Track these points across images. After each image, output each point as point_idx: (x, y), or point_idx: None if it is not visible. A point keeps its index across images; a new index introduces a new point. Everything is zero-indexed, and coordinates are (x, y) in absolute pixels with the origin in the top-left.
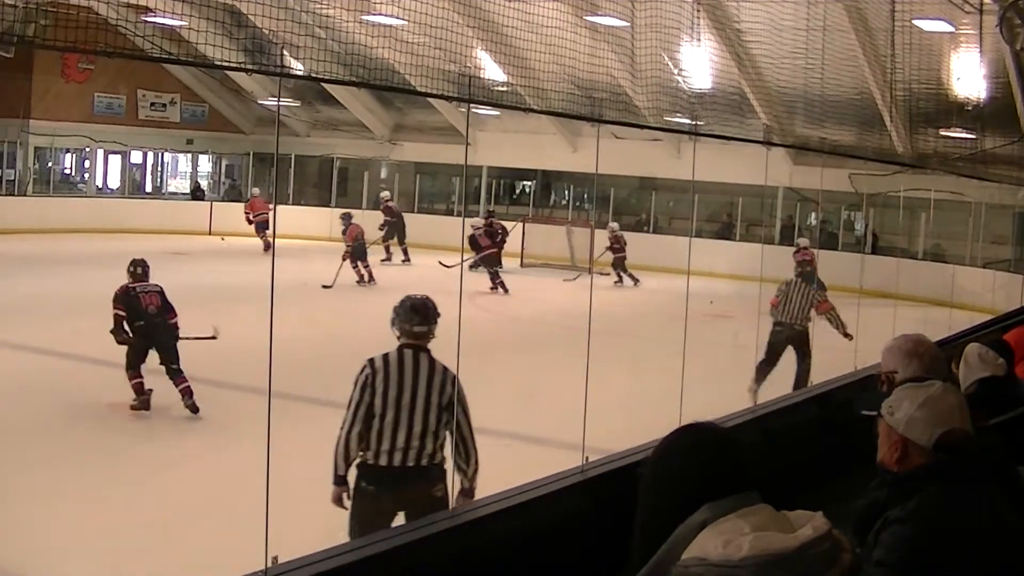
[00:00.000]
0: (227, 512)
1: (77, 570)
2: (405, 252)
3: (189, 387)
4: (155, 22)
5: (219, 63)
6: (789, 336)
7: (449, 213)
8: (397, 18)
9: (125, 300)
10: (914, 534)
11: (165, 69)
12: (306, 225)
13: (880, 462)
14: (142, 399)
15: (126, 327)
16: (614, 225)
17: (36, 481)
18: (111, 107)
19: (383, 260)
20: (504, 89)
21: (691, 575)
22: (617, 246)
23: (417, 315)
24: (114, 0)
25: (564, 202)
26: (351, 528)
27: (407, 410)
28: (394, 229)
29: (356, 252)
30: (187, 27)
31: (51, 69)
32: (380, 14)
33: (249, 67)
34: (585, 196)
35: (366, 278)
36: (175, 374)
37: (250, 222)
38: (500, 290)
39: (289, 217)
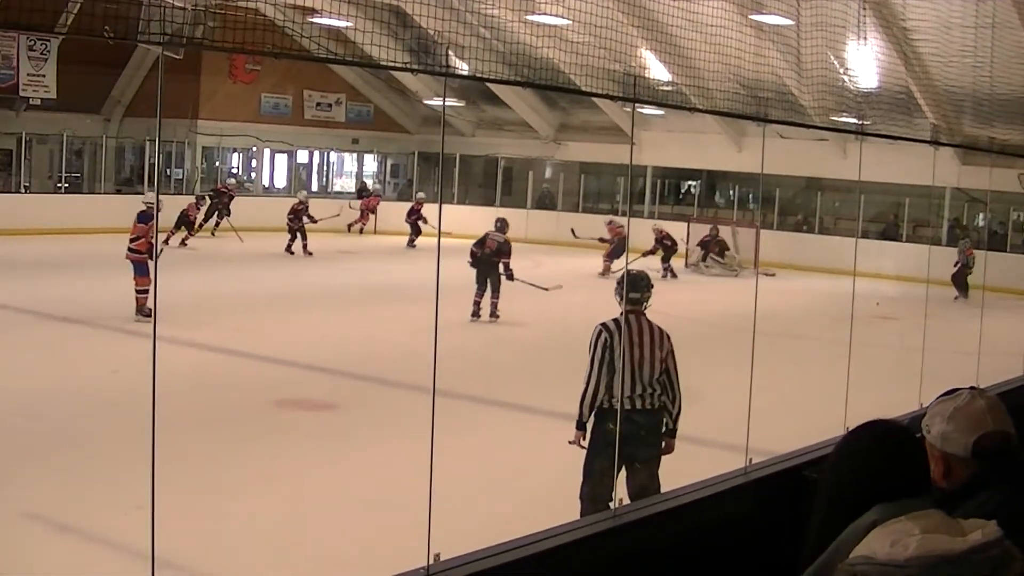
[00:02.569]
0: (389, 509)
1: (241, 562)
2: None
3: (496, 303)
4: (321, 23)
5: (384, 63)
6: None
7: (613, 212)
8: (561, 18)
9: (478, 240)
10: None
11: (331, 69)
12: (471, 224)
13: (932, 480)
14: (474, 309)
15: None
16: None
17: (206, 476)
18: (277, 107)
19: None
20: (669, 89)
21: (857, 573)
22: (668, 242)
23: (631, 286)
24: (280, 2)
25: (729, 202)
26: (588, 466)
27: (639, 362)
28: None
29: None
30: (352, 28)
31: (219, 70)
32: (544, 14)
33: (414, 67)
34: (750, 196)
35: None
36: (494, 295)
37: None
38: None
39: (454, 217)
